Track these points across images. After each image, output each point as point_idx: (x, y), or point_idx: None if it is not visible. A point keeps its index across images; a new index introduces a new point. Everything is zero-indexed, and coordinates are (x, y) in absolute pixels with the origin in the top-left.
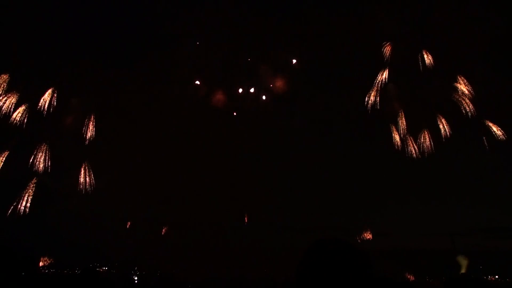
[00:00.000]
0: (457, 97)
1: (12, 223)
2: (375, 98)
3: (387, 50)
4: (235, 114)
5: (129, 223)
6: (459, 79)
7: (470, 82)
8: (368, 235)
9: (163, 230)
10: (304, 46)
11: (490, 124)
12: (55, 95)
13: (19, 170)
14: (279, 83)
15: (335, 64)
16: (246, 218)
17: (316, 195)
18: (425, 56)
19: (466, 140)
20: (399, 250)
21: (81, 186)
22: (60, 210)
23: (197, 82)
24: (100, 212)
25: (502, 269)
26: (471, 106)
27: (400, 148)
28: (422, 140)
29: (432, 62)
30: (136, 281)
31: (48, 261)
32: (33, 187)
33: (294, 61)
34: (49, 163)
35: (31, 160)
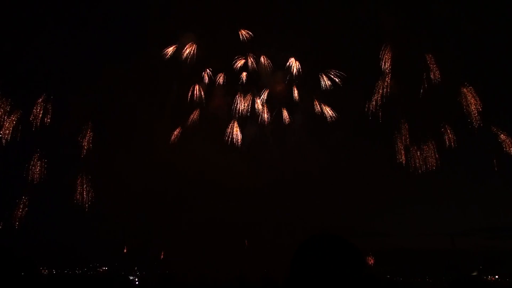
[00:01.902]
0: (462, 102)
1: (10, 226)
2: (377, 102)
3: (387, 52)
4: (236, 122)
5: (126, 248)
6: (463, 87)
7: (477, 89)
8: (371, 260)
9: (161, 254)
10: (304, 46)
11: (496, 130)
12: (50, 100)
13: (14, 179)
14: (279, 87)
15: (335, 65)
16: (246, 242)
17: (316, 195)
18: (428, 60)
19: (468, 144)
20: (399, 250)
21: (78, 198)
22: (59, 211)
23: (197, 86)
24: (98, 218)
25: (502, 269)
26: (476, 113)
27: (404, 160)
28: (426, 151)
29: (436, 67)
30: (136, 282)
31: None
32: (25, 200)
33: (296, 63)
34: (45, 171)
35: (25, 169)
